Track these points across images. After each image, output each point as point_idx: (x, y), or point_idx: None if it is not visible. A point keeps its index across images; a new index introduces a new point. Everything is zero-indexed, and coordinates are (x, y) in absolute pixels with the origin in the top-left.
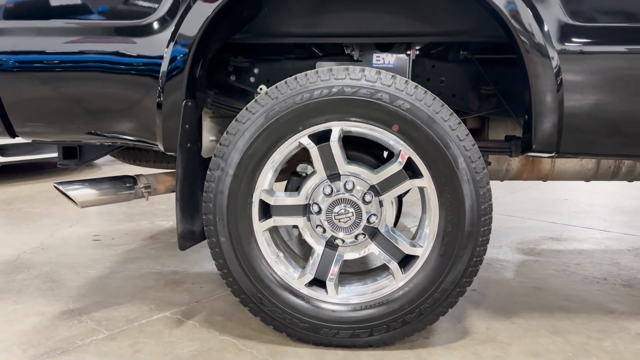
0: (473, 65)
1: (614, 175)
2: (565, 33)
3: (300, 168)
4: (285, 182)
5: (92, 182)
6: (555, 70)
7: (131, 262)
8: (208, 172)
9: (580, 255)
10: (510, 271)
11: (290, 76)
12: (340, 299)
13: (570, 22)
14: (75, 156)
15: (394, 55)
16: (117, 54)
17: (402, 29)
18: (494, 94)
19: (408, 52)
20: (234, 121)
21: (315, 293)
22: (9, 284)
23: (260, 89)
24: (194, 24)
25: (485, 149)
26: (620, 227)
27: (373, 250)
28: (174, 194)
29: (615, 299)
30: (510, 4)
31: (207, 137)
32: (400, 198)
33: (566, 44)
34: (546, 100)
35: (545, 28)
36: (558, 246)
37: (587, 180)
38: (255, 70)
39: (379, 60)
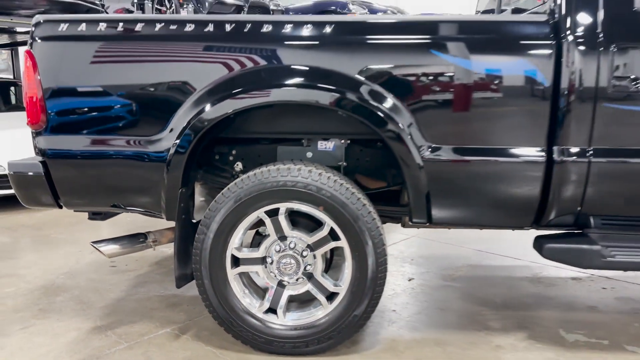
0: (387, 150)
1: None
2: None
3: (261, 229)
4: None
5: (116, 239)
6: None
7: (141, 285)
8: (196, 234)
9: (485, 281)
10: (427, 294)
11: (258, 156)
12: (286, 322)
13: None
14: (100, 214)
15: (332, 142)
16: (137, 159)
17: (331, 129)
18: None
19: (342, 141)
20: (213, 201)
21: (269, 317)
22: (51, 304)
23: (237, 165)
24: (190, 136)
25: (382, 217)
26: (534, 256)
27: (309, 289)
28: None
29: (494, 318)
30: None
31: (198, 198)
32: (332, 252)
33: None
34: (416, 181)
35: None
36: (473, 272)
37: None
38: (233, 152)
39: (322, 146)
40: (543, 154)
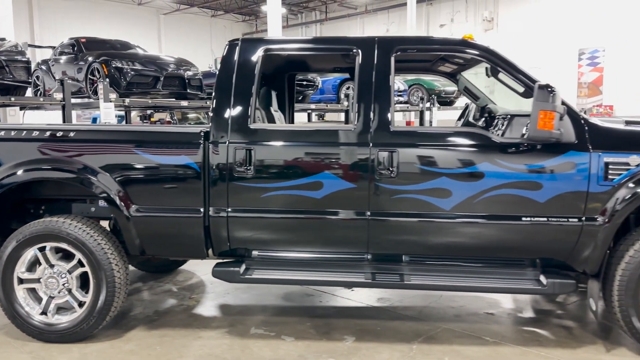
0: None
1: None
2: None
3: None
4: None
5: None
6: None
7: None
8: None
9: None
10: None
11: (61, 210)
12: (55, 321)
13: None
14: None
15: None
16: None
17: (87, 193)
18: None
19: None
20: (6, 240)
21: (43, 318)
22: None
23: (46, 216)
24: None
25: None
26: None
27: (69, 299)
28: None
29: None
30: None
31: None
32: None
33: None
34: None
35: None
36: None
37: None
38: (42, 207)
39: (101, 204)
40: (202, 212)
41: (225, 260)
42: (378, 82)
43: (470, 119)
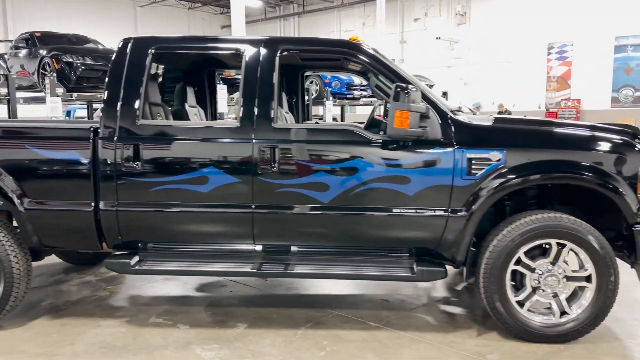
0: None
1: None
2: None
3: None
4: None
5: None
6: None
7: None
8: None
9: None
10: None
11: None
12: None
13: None
14: None
15: None
16: None
17: None
18: None
19: None
20: None
21: None
22: None
23: None
24: None
25: None
26: None
27: None
28: None
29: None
30: None
31: None
32: None
33: None
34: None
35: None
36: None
37: None
38: None
39: None
40: (93, 206)
41: (119, 252)
42: (262, 81)
43: (375, 116)
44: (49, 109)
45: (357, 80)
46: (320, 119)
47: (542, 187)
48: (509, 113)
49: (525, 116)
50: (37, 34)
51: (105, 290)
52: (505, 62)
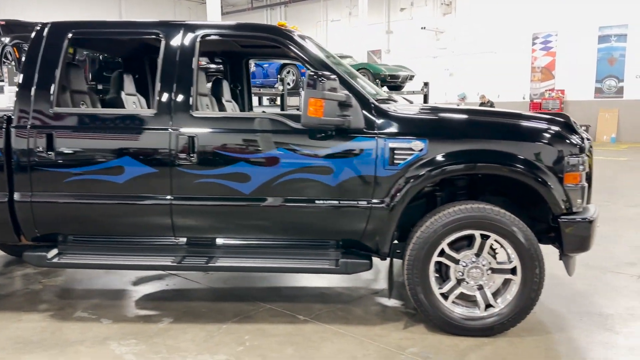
0: None
1: None
2: None
3: None
4: None
5: None
6: None
7: None
8: None
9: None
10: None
11: None
12: None
13: None
14: None
15: None
16: None
17: None
18: None
19: None
20: None
21: None
22: None
23: None
24: None
25: None
26: None
27: None
28: None
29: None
30: None
31: None
32: None
33: None
34: None
35: None
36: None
37: None
38: None
39: None
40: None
41: (37, 245)
42: (181, 67)
43: None
44: (7, 98)
45: None
46: (297, 109)
47: (473, 178)
48: (492, 104)
49: (458, 105)
50: (2, 22)
51: (40, 284)
52: (491, 53)
